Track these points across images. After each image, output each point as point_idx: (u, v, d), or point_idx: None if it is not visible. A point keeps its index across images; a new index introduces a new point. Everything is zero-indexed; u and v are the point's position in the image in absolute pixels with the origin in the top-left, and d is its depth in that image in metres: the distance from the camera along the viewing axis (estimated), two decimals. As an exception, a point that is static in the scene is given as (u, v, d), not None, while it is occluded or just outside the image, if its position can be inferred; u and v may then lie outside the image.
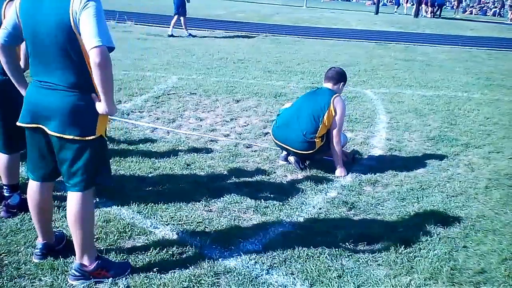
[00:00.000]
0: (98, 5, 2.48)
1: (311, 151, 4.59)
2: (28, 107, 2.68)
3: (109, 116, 2.71)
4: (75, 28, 2.47)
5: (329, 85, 4.80)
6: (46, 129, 2.64)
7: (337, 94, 4.70)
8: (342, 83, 4.84)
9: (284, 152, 4.85)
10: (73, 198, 2.70)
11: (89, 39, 2.40)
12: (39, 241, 2.97)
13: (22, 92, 2.86)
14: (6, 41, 2.72)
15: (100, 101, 2.59)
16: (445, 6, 31.72)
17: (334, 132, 4.63)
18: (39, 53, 2.59)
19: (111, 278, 2.80)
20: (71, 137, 2.60)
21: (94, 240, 2.96)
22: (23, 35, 2.64)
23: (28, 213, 3.46)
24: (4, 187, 3.56)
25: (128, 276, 2.83)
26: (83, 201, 2.70)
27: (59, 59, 2.55)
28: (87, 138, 2.62)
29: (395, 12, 33.14)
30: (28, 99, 2.71)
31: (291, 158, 4.70)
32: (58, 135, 2.60)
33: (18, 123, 2.73)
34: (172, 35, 14.21)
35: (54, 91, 2.59)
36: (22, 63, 3.14)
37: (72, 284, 2.76)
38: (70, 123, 2.59)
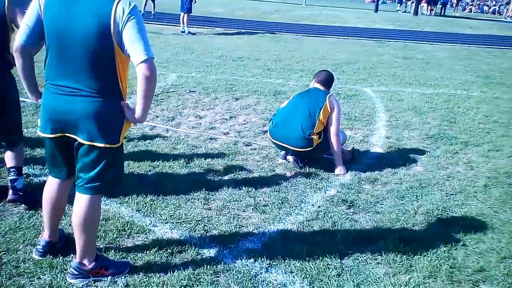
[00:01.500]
0: (140, 16, 2.48)
1: (309, 149, 4.59)
2: (51, 116, 2.60)
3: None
4: (115, 36, 2.42)
5: (320, 87, 4.86)
6: (74, 136, 2.57)
7: (331, 93, 4.79)
8: (330, 87, 4.97)
9: (283, 152, 4.85)
10: (83, 201, 2.67)
11: (138, 53, 2.43)
12: (44, 238, 2.95)
13: (32, 98, 2.80)
14: (26, 42, 2.57)
15: (128, 108, 2.61)
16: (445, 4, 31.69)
17: (332, 130, 4.64)
18: (65, 56, 2.49)
19: (110, 277, 2.80)
20: (99, 145, 2.56)
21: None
22: (46, 34, 2.51)
23: (27, 211, 3.47)
24: (11, 170, 3.60)
25: (127, 275, 2.83)
26: (93, 205, 2.69)
27: (88, 63, 2.47)
28: (113, 146, 2.60)
29: (398, 10, 33.00)
30: (49, 107, 2.60)
31: (290, 157, 4.70)
32: (87, 143, 2.56)
33: (42, 134, 2.66)
34: (190, 33, 14.35)
35: (79, 98, 2.51)
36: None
37: (70, 283, 2.75)
38: (97, 131, 2.54)
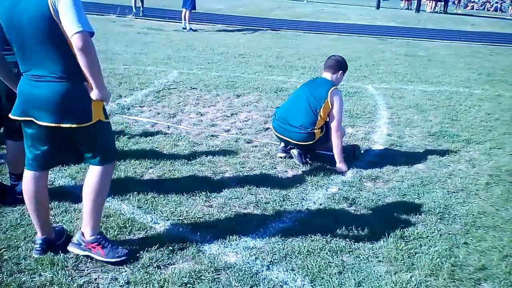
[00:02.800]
0: None
1: (312, 142, 4.58)
2: (21, 100, 2.75)
3: (104, 103, 2.81)
4: (56, 17, 2.52)
5: (328, 74, 4.78)
6: (37, 121, 2.69)
7: (334, 87, 4.66)
8: (341, 71, 4.80)
9: (282, 144, 4.84)
10: (93, 171, 2.87)
11: (70, 26, 2.48)
12: (39, 236, 2.96)
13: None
14: None
15: (90, 88, 2.68)
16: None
17: (334, 126, 4.62)
18: (25, 48, 2.64)
19: (104, 258, 2.89)
20: (68, 125, 2.68)
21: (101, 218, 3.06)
22: (6, 34, 2.69)
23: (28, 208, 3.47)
24: (12, 176, 3.66)
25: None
26: (101, 174, 2.86)
27: (44, 50, 2.60)
28: (84, 124, 2.71)
29: (403, 8, 32.75)
30: (20, 93, 2.76)
31: (294, 151, 4.68)
32: (54, 125, 2.67)
33: (10, 115, 2.79)
34: (191, 29, 14.32)
35: (45, 83, 2.65)
36: None
37: (69, 252, 2.91)
38: (65, 113, 2.67)
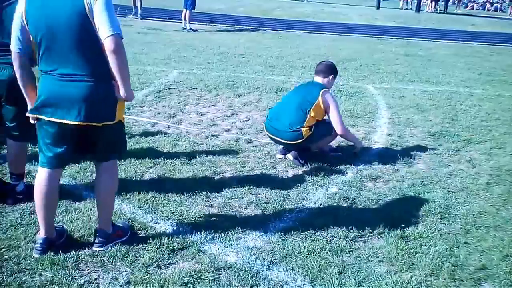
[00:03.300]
0: None
1: (300, 141, 4.59)
2: (46, 100, 2.76)
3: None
4: (90, 17, 2.60)
5: (319, 79, 4.87)
6: (64, 120, 2.74)
7: (326, 89, 4.73)
8: (331, 76, 4.89)
9: (281, 146, 4.85)
10: (106, 169, 2.99)
11: (104, 28, 2.58)
12: (40, 236, 2.96)
13: (30, 105, 2.91)
14: (21, 50, 2.77)
15: (117, 88, 2.77)
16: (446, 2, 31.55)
17: (336, 125, 4.68)
18: (55, 46, 2.67)
19: (124, 238, 3.11)
20: (94, 124, 2.78)
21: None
22: (33, 33, 2.70)
23: (29, 207, 3.47)
24: (12, 176, 3.65)
25: (128, 271, 2.84)
26: (114, 171, 3.04)
27: (76, 49, 2.66)
28: (108, 123, 2.82)
29: (402, 8, 32.66)
30: (45, 92, 2.77)
31: (290, 156, 4.70)
32: (82, 124, 2.75)
33: (30, 114, 2.83)
34: (191, 29, 14.32)
35: (75, 83, 2.71)
36: None
37: (96, 251, 2.99)
38: (92, 112, 2.75)
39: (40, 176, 2.93)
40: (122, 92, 2.78)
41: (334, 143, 5.24)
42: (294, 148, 4.71)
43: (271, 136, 4.77)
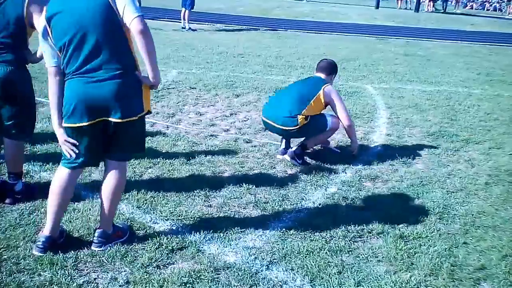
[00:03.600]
0: None
1: (294, 128, 4.56)
2: (81, 105, 2.75)
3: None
4: (114, 6, 2.66)
5: (321, 75, 4.90)
6: (110, 119, 2.79)
7: (328, 84, 4.77)
8: (333, 75, 4.97)
9: (282, 146, 4.86)
10: (117, 167, 2.97)
11: (129, 12, 2.64)
12: (44, 234, 2.95)
13: (55, 119, 2.86)
14: (57, 62, 2.79)
15: (141, 75, 2.84)
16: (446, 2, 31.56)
17: (343, 117, 4.72)
18: (84, 46, 2.69)
19: (123, 239, 3.11)
20: (131, 118, 2.82)
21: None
22: (57, 40, 2.71)
23: (27, 207, 3.47)
24: (10, 175, 3.64)
25: (127, 271, 2.84)
26: (124, 169, 3.05)
27: (106, 43, 2.70)
28: (139, 115, 2.86)
29: (401, 7, 32.61)
30: (77, 96, 2.75)
31: (286, 156, 4.70)
32: (120, 120, 2.78)
33: (77, 124, 2.79)
34: (190, 29, 14.31)
35: (106, 82, 2.73)
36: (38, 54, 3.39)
37: (96, 251, 2.99)
38: (129, 106, 2.80)
39: (60, 175, 2.94)
40: (151, 75, 2.80)
41: (333, 144, 5.25)
42: (287, 135, 4.72)
43: (266, 120, 4.73)
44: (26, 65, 3.54)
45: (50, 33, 2.74)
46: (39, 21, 2.80)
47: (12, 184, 3.61)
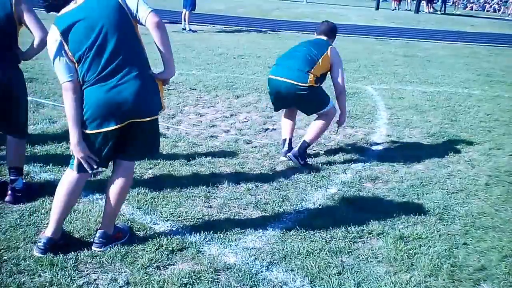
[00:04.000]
0: None
1: (305, 84, 4.54)
2: (109, 111, 2.75)
3: None
4: (125, 8, 2.74)
5: (323, 37, 4.93)
6: (137, 120, 2.82)
7: (332, 45, 4.82)
8: (333, 39, 5.00)
9: (285, 148, 4.84)
10: (126, 168, 2.98)
11: (142, 8, 2.74)
12: (46, 235, 2.95)
13: (75, 135, 2.76)
14: (73, 76, 2.73)
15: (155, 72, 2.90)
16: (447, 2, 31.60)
17: (338, 82, 4.75)
18: (104, 52, 2.70)
19: (122, 240, 3.12)
20: (155, 117, 2.90)
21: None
22: (75, 50, 2.69)
23: (28, 208, 3.47)
24: (11, 170, 3.63)
25: (127, 272, 2.84)
26: (132, 169, 3.07)
27: (124, 46, 2.74)
28: (159, 113, 2.94)
29: (397, 8, 32.61)
30: (104, 104, 2.74)
31: (290, 154, 4.68)
32: (147, 119, 2.84)
33: (104, 129, 2.77)
34: (190, 30, 14.31)
35: (127, 83, 2.75)
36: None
37: (96, 251, 2.99)
38: (150, 105, 2.86)
39: (69, 178, 2.92)
40: (168, 67, 2.88)
41: (336, 139, 5.25)
42: (293, 97, 4.65)
43: (276, 77, 4.68)
44: (19, 65, 3.51)
45: (67, 46, 2.68)
46: (48, 41, 2.73)
47: (13, 180, 3.58)
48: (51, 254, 2.92)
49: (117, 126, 2.79)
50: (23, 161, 3.73)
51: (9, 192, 3.56)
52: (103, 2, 2.74)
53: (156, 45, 2.81)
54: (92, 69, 2.72)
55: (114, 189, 2.99)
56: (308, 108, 4.84)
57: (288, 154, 4.71)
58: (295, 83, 4.56)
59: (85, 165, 2.85)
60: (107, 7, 2.72)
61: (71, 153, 2.87)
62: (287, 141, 4.89)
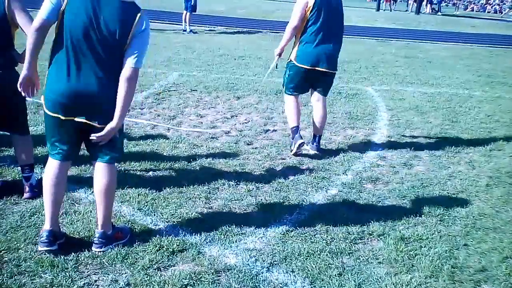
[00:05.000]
0: (149, 31, 2.89)
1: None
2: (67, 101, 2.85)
3: None
4: (130, 38, 2.78)
5: None
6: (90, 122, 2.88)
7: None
8: None
9: (300, 141, 4.88)
10: (107, 170, 3.00)
11: (133, 60, 2.79)
12: (46, 229, 2.97)
13: (25, 68, 2.89)
14: (49, 18, 2.77)
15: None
16: (446, 3, 31.59)
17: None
18: (88, 54, 2.79)
19: (123, 240, 3.12)
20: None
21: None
22: (68, 35, 2.76)
23: (28, 210, 3.47)
24: (24, 168, 3.71)
25: (128, 273, 2.84)
26: (114, 173, 3.07)
27: (105, 56, 2.82)
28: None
29: (406, 10, 32.49)
30: (63, 93, 2.84)
31: (307, 146, 4.97)
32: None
33: (61, 116, 2.85)
34: (191, 31, 14.31)
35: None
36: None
37: (96, 252, 2.99)
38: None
39: (50, 167, 2.99)
40: (116, 119, 2.87)
41: (337, 140, 5.25)
42: (325, 79, 5.21)
43: (314, 59, 5.40)
44: (16, 66, 3.52)
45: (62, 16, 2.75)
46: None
47: (27, 177, 3.67)
48: (52, 255, 2.92)
49: (67, 118, 2.88)
50: (32, 157, 3.79)
51: (27, 188, 3.64)
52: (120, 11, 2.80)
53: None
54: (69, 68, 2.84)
55: (98, 189, 3.02)
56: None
57: (305, 146, 4.97)
58: (333, 72, 5.16)
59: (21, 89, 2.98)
60: (118, 19, 2.78)
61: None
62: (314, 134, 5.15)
